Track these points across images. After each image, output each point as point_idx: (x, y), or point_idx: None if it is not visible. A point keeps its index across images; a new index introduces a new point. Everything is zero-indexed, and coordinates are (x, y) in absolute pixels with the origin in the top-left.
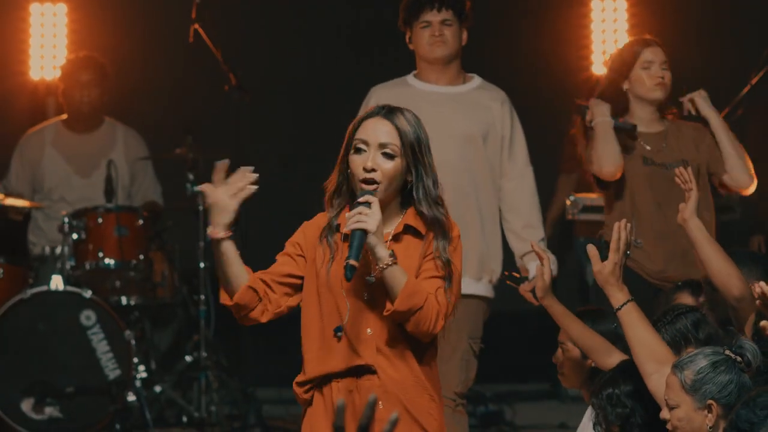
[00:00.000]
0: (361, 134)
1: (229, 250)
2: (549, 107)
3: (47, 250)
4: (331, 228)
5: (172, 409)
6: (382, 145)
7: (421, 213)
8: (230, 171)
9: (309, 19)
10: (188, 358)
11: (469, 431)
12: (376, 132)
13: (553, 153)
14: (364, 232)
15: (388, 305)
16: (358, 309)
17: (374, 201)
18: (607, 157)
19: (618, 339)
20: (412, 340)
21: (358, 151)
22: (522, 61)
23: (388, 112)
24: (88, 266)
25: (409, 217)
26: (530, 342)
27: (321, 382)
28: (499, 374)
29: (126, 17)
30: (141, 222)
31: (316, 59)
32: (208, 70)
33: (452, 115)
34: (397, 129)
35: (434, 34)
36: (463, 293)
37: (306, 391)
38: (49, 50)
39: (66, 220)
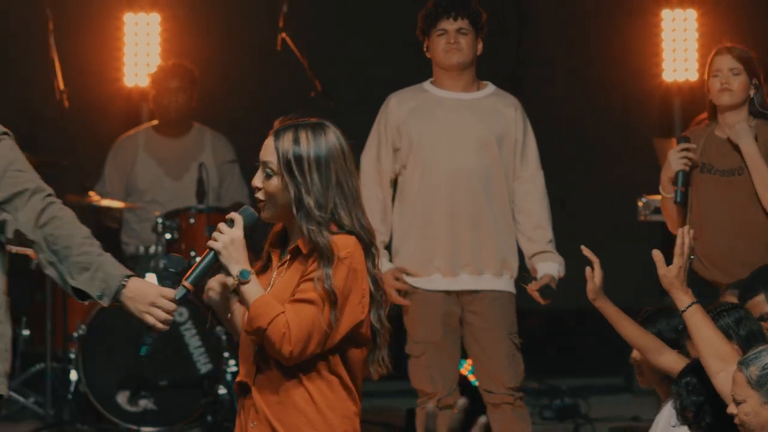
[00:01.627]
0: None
1: None
2: (620, 114)
3: (141, 249)
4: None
5: None
6: (264, 164)
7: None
8: None
9: (389, 25)
10: None
11: (530, 422)
12: (264, 150)
13: (622, 155)
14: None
15: None
16: None
17: (237, 218)
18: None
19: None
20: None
21: (258, 169)
22: (594, 69)
23: (281, 129)
24: None
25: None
26: (604, 337)
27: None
28: (575, 368)
29: (216, 26)
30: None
31: (395, 65)
32: (293, 77)
33: (467, 120)
34: (276, 147)
35: (450, 42)
36: (488, 289)
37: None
38: (142, 58)
39: (159, 220)
